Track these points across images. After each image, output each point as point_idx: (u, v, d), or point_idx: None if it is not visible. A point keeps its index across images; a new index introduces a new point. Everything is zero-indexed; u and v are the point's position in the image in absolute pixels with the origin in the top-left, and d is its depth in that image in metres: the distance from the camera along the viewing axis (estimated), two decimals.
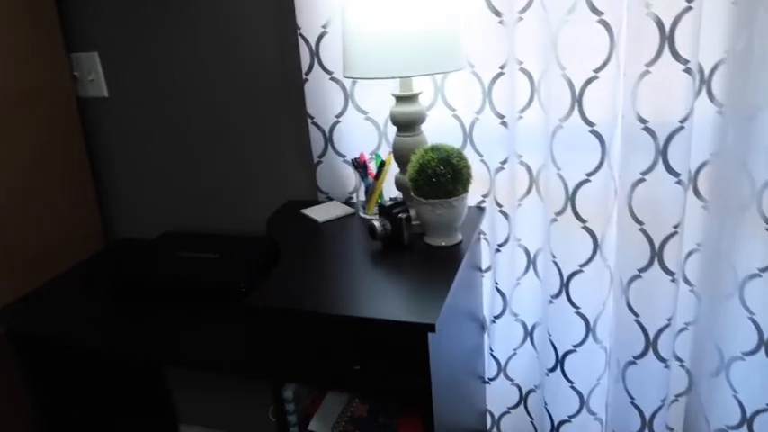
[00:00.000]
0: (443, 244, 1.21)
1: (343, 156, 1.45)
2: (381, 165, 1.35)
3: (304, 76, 1.38)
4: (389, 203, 1.22)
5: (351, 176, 1.48)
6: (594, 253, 1.28)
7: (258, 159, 1.56)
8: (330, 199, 1.52)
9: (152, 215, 1.72)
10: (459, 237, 1.22)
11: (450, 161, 1.14)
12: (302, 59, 1.36)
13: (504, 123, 1.29)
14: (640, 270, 1.24)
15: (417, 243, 1.23)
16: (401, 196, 1.31)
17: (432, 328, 0.94)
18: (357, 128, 1.41)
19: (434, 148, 1.16)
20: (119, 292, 1.44)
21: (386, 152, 1.41)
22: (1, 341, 1.43)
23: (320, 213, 1.43)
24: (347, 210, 1.44)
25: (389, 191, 1.38)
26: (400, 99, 1.24)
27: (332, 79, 1.36)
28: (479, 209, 1.39)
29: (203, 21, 1.46)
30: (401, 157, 1.27)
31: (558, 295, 1.34)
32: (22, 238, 1.48)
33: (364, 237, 1.29)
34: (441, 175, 1.13)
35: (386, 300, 1.02)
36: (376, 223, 1.21)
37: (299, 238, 1.32)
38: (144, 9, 1.49)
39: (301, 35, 1.34)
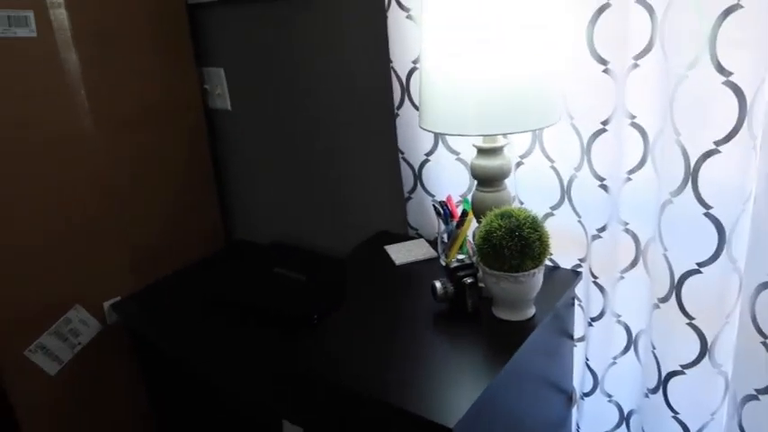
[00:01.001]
0: (509, 318, 1.08)
1: (432, 195, 1.36)
2: (464, 213, 1.24)
3: (395, 111, 1.31)
4: (457, 263, 1.12)
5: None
6: (702, 356, 1.04)
7: (358, 185, 1.54)
8: (419, 236, 1.44)
9: (264, 221, 1.80)
10: (530, 312, 1.08)
11: (519, 233, 1.00)
12: (394, 93, 1.29)
13: (603, 186, 1.09)
14: (759, 391, 0.99)
15: (485, 310, 1.11)
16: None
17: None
18: (447, 169, 1.31)
19: (504, 215, 1.02)
20: (209, 308, 1.53)
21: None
22: (118, 332, 1.61)
23: (401, 253, 1.36)
24: (430, 253, 1.36)
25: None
26: (482, 151, 1.11)
27: None
28: (575, 272, 1.22)
29: (317, 47, 1.46)
30: (480, 212, 1.15)
31: (654, 391, 1.13)
32: (148, 236, 1.64)
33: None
34: (506, 248, 1.00)
35: (421, 379, 0.94)
36: (437, 283, 1.12)
37: (371, 277, 1.28)
38: (264, 32, 1.53)
39: (393, 69, 1.27)
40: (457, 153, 1.29)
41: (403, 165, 1.37)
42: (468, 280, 1.09)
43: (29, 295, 1.41)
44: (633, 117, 1.05)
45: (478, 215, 1.16)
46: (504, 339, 1.02)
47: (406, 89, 1.27)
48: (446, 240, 1.31)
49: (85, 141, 1.45)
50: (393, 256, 1.35)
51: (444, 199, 1.31)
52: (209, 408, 1.48)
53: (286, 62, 1.54)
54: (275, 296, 1.47)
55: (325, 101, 1.50)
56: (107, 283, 1.57)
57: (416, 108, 1.27)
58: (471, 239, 1.27)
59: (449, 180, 1.32)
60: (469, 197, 1.29)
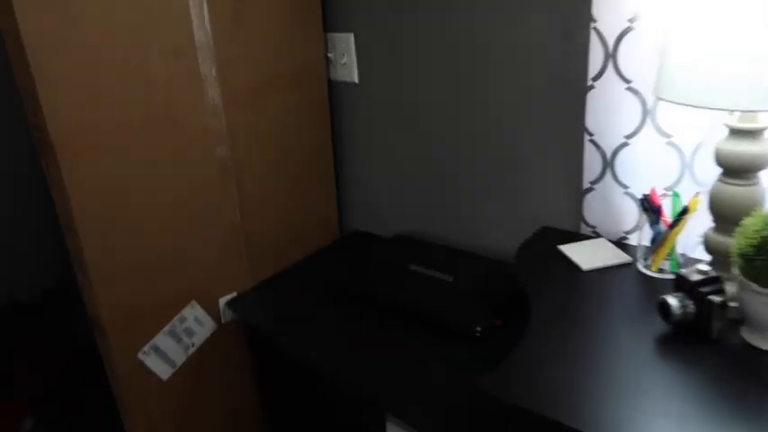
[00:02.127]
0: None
1: (626, 186, 1.12)
2: (684, 211, 0.99)
3: (590, 82, 1.07)
4: (698, 277, 0.88)
5: (630, 212, 1.15)
6: None
7: (514, 172, 1.31)
8: (597, 235, 1.21)
9: (387, 211, 1.59)
10: None
11: None
12: (592, 61, 1.05)
13: None
14: None
15: (729, 336, 0.87)
16: (710, 265, 0.96)
17: None
18: (652, 154, 1.06)
19: None
20: (341, 300, 1.33)
21: (688, 191, 1.04)
22: (231, 332, 1.44)
23: (584, 255, 1.13)
24: (620, 256, 1.12)
25: (686, 245, 1.03)
26: (736, 133, 0.87)
27: (629, 89, 1.03)
28: None
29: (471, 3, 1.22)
30: (722, 209, 0.91)
31: None
32: (264, 226, 1.45)
33: (645, 305, 0.97)
34: None
35: (657, 418, 0.72)
36: (672, 301, 0.88)
37: (554, 286, 1.06)
38: None
39: (596, 29, 1.02)
40: (669, 135, 1.04)
41: (589, 149, 1.13)
42: (717, 298, 0.85)
43: (143, 290, 1.24)
44: None
45: (719, 212, 0.92)
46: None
47: (611, 55, 1.02)
48: (648, 243, 1.07)
49: (208, 112, 1.26)
50: (575, 259, 1.12)
51: (647, 192, 1.07)
52: (329, 411, 1.30)
53: (433, 24, 1.30)
54: (421, 296, 1.26)
55: (487, 71, 1.26)
56: (222, 276, 1.39)
57: (625, 79, 1.03)
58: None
59: (652, 169, 1.08)
60: (680, 189, 1.04)
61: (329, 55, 1.50)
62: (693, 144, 1.03)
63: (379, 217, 1.61)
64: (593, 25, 1.02)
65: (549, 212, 1.28)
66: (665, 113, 1.03)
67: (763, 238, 0.78)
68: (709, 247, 0.96)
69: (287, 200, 1.50)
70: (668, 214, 1.03)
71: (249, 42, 1.30)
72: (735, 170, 0.88)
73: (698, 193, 1.01)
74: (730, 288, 0.87)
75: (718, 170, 0.91)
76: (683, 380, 0.81)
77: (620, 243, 1.17)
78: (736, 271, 0.83)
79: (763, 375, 0.80)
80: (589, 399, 0.79)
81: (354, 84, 1.49)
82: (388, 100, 1.45)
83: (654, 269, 1.06)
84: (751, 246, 0.79)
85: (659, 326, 0.91)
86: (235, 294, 1.42)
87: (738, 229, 0.83)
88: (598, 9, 1.01)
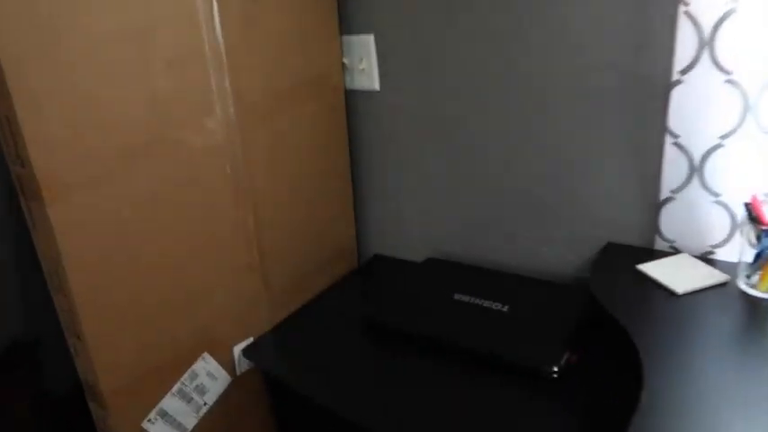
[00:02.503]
0: None
1: (717, 194, 0.98)
2: None
3: (677, 76, 0.92)
4: None
5: (718, 224, 1.00)
6: None
7: (572, 182, 1.15)
8: (676, 251, 1.06)
9: (414, 232, 1.41)
10: None
11: None
12: (680, 50, 0.90)
13: None
14: None
15: None
16: None
17: None
18: (754, 155, 0.92)
19: None
20: (374, 338, 1.15)
21: None
22: (246, 384, 1.23)
23: (672, 275, 0.98)
24: (715, 275, 0.97)
25: None
26: None
27: (728, 82, 0.89)
28: None
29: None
30: None
31: None
32: (282, 258, 1.26)
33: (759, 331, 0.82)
34: None
35: None
36: None
37: (649, 314, 0.90)
38: None
39: (688, 14, 0.88)
40: None
41: (672, 153, 0.98)
42: None
43: (148, 347, 1.03)
44: None
45: None
46: None
47: (708, 42, 0.88)
48: (750, 258, 0.92)
49: (220, 130, 1.06)
50: (664, 281, 0.97)
51: (747, 201, 0.92)
52: None
53: (468, 20, 1.14)
54: (474, 331, 1.08)
55: (544, 66, 1.11)
56: (237, 320, 1.19)
57: (724, 71, 0.88)
58: None
59: (752, 173, 0.94)
60: None
61: (345, 61, 1.32)
62: None
63: (404, 239, 1.43)
64: (683, 9, 0.88)
65: (615, 227, 1.13)
66: None
67: None
68: None
69: (305, 226, 1.31)
70: None
71: (263, 49, 1.11)
72: None
73: None
74: None
75: None
76: None
77: (706, 259, 1.03)
78: None
79: None
80: None
81: (375, 91, 1.32)
82: (417, 107, 1.28)
83: (763, 288, 0.91)
84: None
85: None
86: (251, 340, 1.22)
87: None
88: None
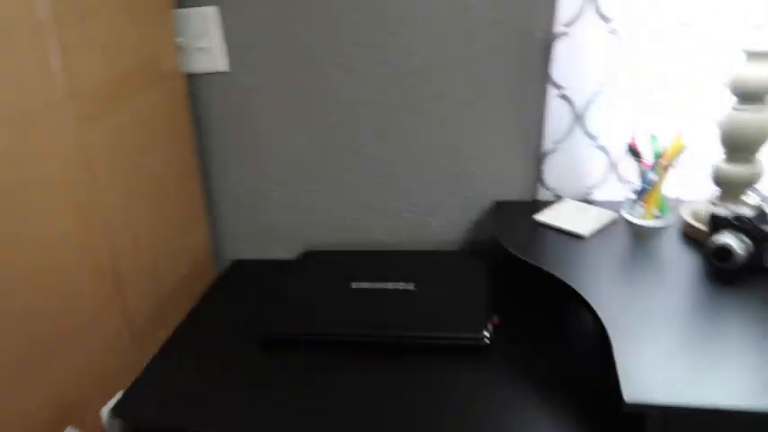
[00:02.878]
0: None
1: (596, 138, 1.05)
2: (674, 152, 0.95)
3: (561, 28, 0.95)
4: (754, 211, 0.84)
5: (594, 166, 1.08)
6: None
7: (456, 145, 1.13)
8: (558, 197, 1.12)
9: (278, 226, 1.27)
10: None
11: None
12: (564, 3, 0.93)
13: None
14: None
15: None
16: (720, 198, 0.94)
17: None
18: (631, 99, 1.00)
19: None
20: (271, 350, 1.00)
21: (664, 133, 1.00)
22: None
23: (571, 221, 1.03)
24: (604, 214, 1.05)
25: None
26: (754, 56, 0.84)
27: (611, 32, 0.95)
28: None
29: None
30: (736, 138, 0.89)
31: None
32: (142, 285, 1.02)
33: (677, 255, 0.91)
34: None
35: None
36: (732, 242, 0.82)
37: (566, 259, 0.93)
38: None
39: None
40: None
41: (556, 105, 1.02)
42: None
43: None
44: None
45: (732, 142, 0.89)
46: None
47: None
48: (633, 194, 1.01)
49: (55, 125, 0.80)
50: (568, 227, 1.01)
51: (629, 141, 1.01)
52: None
53: None
54: (387, 317, 1.00)
55: (415, 28, 1.05)
56: (100, 374, 0.93)
57: (605, 19, 0.93)
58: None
59: (627, 117, 1.02)
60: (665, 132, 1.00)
61: (179, 40, 1.11)
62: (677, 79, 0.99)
63: (271, 236, 1.28)
64: None
65: (501, 185, 1.15)
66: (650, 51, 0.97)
67: None
68: (719, 179, 0.93)
69: (158, 241, 1.08)
70: (648, 159, 0.98)
71: (95, 24, 0.86)
72: (748, 95, 0.86)
73: (680, 132, 0.98)
74: None
75: (731, 96, 0.88)
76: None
77: (587, 201, 1.10)
78: None
79: None
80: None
81: (224, 73, 1.14)
82: (278, 85, 1.13)
83: (649, 217, 1.00)
84: None
85: (688, 272, 0.86)
86: (120, 396, 0.96)
87: None
88: None
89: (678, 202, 1.03)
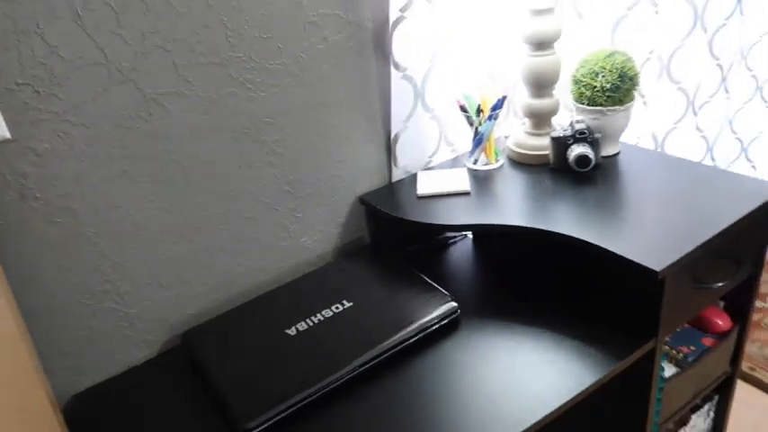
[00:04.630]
0: (610, 153, 1.18)
1: (432, 110, 1.17)
2: (502, 101, 1.15)
3: (398, 14, 1.02)
4: (571, 129, 1.10)
5: (433, 137, 1.20)
6: None
7: (310, 153, 1.07)
8: (408, 173, 1.20)
9: (117, 331, 0.98)
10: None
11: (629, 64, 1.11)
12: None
13: None
14: None
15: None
16: (532, 127, 1.19)
17: None
18: (460, 68, 1.16)
19: (618, 52, 1.11)
20: None
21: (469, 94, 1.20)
22: None
23: (447, 185, 1.13)
24: (459, 171, 1.18)
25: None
26: (537, 12, 1.09)
27: (433, 12, 1.06)
28: None
29: None
30: (535, 77, 1.13)
31: None
32: None
33: (531, 181, 1.12)
34: (635, 76, 1.11)
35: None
36: (587, 150, 1.08)
37: (451, 213, 1.05)
38: None
39: None
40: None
41: (400, 87, 1.09)
42: (598, 135, 1.10)
43: None
44: None
45: (535, 82, 1.14)
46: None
47: None
48: (471, 146, 1.19)
49: None
50: (453, 190, 1.11)
51: (453, 104, 1.17)
52: None
53: None
54: (357, 342, 0.92)
55: (250, 30, 0.93)
56: None
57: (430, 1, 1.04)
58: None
59: (450, 86, 1.17)
60: (476, 91, 1.19)
61: None
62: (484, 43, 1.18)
63: (118, 340, 0.97)
64: None
65: (361, 178, 1.15)
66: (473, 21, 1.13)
67: (620, 70, 1.08)
68: (530, 113, 1.17)
69: None
70: (473, 113, 1.16)
71: None
72: (538, 44, 1.11)
73: (483, 88, 1.19)
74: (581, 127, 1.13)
75: (527, 47, 1.12)
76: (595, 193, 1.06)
77: (428, 168, 1.22)
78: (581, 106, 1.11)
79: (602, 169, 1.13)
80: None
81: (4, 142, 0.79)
82: (89, 144, 0.85)
83: (493, 161, 1.19)
84: (614, 78, 1.08)
85: (549, 180, 1.10)
86: None
87: (580, 66, 1.10)
88: None
89: (502, 140, 1.24)
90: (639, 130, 1.47)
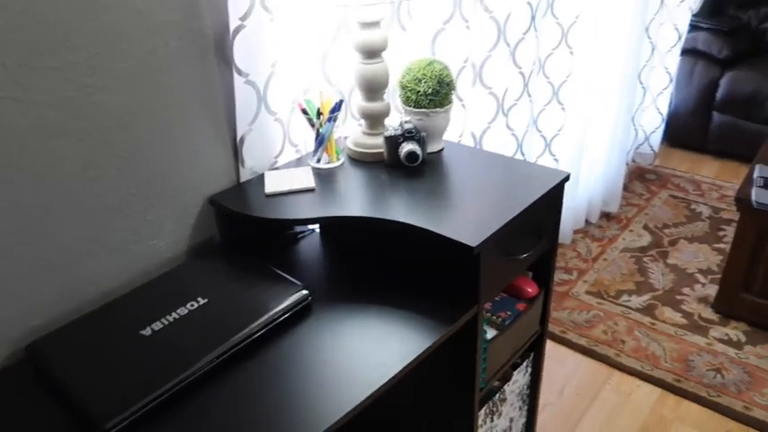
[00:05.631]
0: (435, 150, 1.35)
1: (275, 113, 1.24)
2: (339, 104, 1.26)
3: (237, 23, 1.08)
4: (401, 129, 1.24)
5: (277, 138, 1.28)
6: None
7: (154, 158, 1.09)
8: (255, 173, 1.27)
9: None
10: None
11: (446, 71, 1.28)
12: (235, 4, 1.06)
13: None
14: None
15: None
16: (364, 123, 1.31)
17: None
18: (299, 74, 1.24)
19: (436, 61, 1.27)
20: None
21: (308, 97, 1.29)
22: None
23: (293, 182, 1.22)
24: (304, 170, 1.27)
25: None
26: (365, 25, 1.21)
27: (271, 21, 1.13)
28: None
29: None
30: (366, 83, 1.26)
31: None
32: None
33: (371, 175, 1.25)
34: (451, 82, 1.28)
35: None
36: (415, 148, 1.22)
37: (300, 207, 1.15)
38: None
39: None
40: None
41: (244, 91, 1.15)
42: (423, 133, 1.26)
43: None
44: None
45: (368, 87, 1.26)
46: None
47: None
48: (314, 146, 1.28)
49: None
50: (299, 187, 1.20)
51: (293, 107, 1.26)
52: None
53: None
54: (215, 332, 0.98)
55: (89, 42, 0.94)
56: None
57: (268, 10, 1.11)
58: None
59: (291, 91, 1.25)
60: (316, 95, 1.29)
61: None
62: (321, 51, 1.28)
63: None
64: None
65: (209, 180, 1.19)
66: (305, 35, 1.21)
67: (438, 77, 1.24)
68: (364, 114, 1.30)
69: None
70: (313, 116, 1.26)
71: None
72: (368, 53, 1.24)
73: (321, 92, 1.29)
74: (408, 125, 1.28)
75: (359, 56, 1.24)
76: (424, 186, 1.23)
77: (274, 168, 1.30)
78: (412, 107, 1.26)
79: (429, 164, 1.31)
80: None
81: None
82: None
83: (335, 160, 1.30)
84: (433, 84, 1.24)
85: (386, 176, 1.25)
86: None
87: (419, 80, 1.24)
88: None
89: (342, 140, 1.35)
90: (460, 129, 1.67)
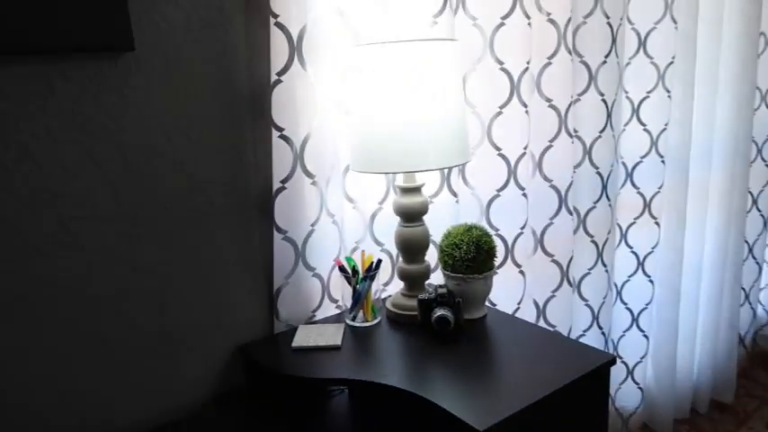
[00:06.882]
0: (476, 316, 1.29)
1: (314, 269, 1.28)
2: (377, 264, 1.27)
3: (281, 184, 1.18)
4: (435, 293, 1.21)
5: (314, 293, 1.31)
6: None
7: (190, 304, 1.15)
8: (290, 326, 1.28)
9: None
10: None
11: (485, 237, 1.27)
12: (278, 166, 1.17)
13: None
14: None
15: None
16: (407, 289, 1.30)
17: None
18: (331, 235, 1.29)
19: (476, 227, 1.26)
20: None
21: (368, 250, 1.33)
22: None
23: (320, 338, 1.21)
24: (339, 327, 1.27)
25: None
26: (404, 191, 1.25)
27: (313, 184, 1.22)
28: None
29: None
30: (405, 245, 1.27)
31: None
32: None
33: (405, 337, 1.21)
34: (491, 249, 1.26)
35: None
36: (446, 313, 1.18)
37: (337, 368, 1.12)
38: None
39: (285, 137, 1.15)
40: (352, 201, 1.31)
41: (282, 247, 1.21)
42: (459, 299, 1.22)
43: None
44: None
45: (407, 249, 1.28)
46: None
47: (299, 156, 1.18)
48: (350, 304, 1.28)
49: None
50: (324, 344, 1.19)
51: (333, 264, 1.30)
52: None
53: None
54: None
55: (135, 196, 1.06)
56: None
57: (309, 175, 1.20)
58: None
59: (332, 244, 1.30)
60: (358, 254, 1.32)
61: None
62: (371, 210, 1.35)
63: None
64: (276, 133, 1.15)
65: (241, 329, 1.23)
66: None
67: (476, 242, 1.23)
68: (403, 276, 1.30)
69: None
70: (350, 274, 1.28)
71: None
72: (408, 217, 1.26)
73: (363, 251, 1.32)
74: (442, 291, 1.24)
75: (397, 219, 1.27)
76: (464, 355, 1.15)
77: (312, 323, 1.30)
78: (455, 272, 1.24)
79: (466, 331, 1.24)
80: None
81: None
82: None
83: (370, 318, 1.29)
84: (471, 248, 1.22)
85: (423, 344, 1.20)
86: None
87: (458, 246, 1.24)
88: (277, 116, 1.14)
89: (380, 299, 1.35)
90: (518, 297, 1.60)
